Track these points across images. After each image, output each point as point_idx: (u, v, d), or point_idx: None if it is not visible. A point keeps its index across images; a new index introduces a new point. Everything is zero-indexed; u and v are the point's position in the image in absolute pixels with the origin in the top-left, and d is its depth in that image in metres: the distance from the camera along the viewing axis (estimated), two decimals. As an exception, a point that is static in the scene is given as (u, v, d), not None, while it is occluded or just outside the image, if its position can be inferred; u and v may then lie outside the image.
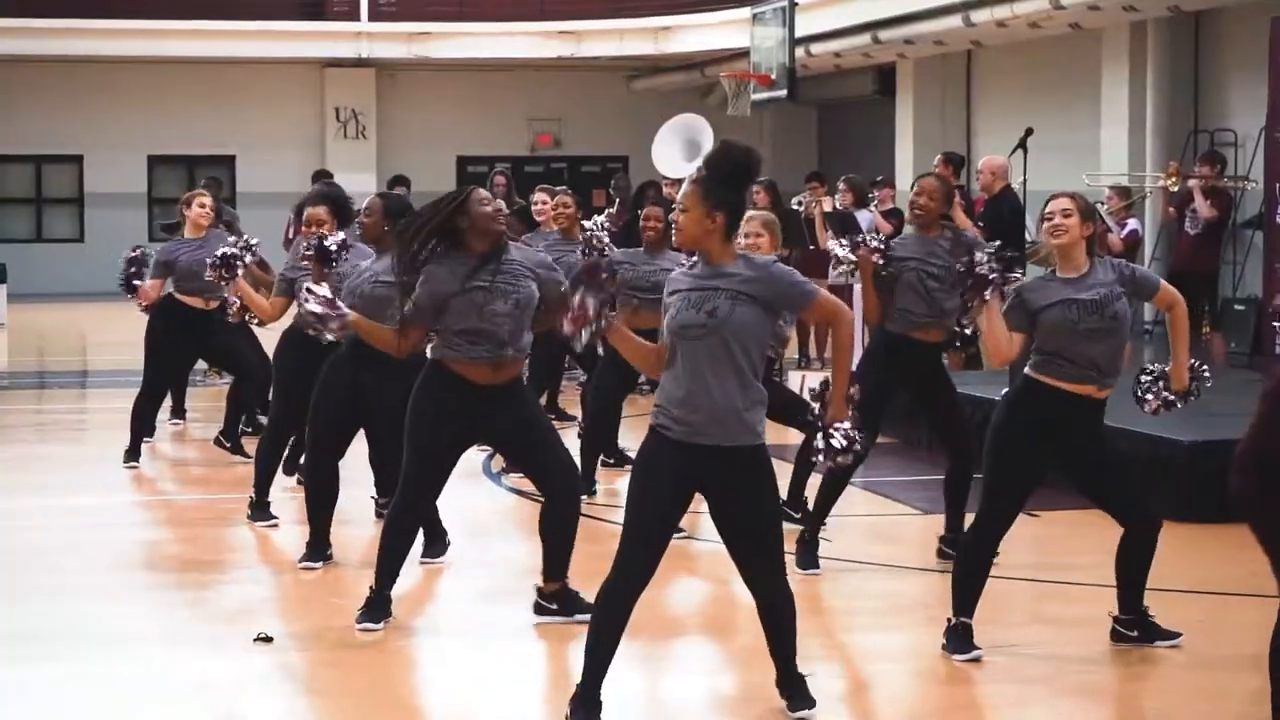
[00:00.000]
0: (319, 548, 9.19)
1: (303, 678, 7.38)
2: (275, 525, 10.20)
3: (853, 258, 9.11)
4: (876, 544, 9.65)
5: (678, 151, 21.10)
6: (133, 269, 12.36)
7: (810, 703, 6.52)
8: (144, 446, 12.69)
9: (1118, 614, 7.62)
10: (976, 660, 7.28)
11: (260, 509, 10.32)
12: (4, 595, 8.82)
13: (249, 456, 12.57)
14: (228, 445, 12.65)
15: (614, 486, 11.33)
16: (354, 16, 31.92)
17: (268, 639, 7.63)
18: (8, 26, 29.71)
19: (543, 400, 13.48)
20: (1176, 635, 7.62)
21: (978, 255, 7.56)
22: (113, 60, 31.38)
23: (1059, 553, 9.29)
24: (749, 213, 8.90)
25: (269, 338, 11.86)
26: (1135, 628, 7.58)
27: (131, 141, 32.31)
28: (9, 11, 29.74)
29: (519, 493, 11.25)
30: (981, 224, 14.51)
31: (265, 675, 7.29)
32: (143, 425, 12.67)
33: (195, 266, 11.56)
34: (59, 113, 31.94)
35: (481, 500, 11.28)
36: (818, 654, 7.68)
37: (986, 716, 6.95)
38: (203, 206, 12.30)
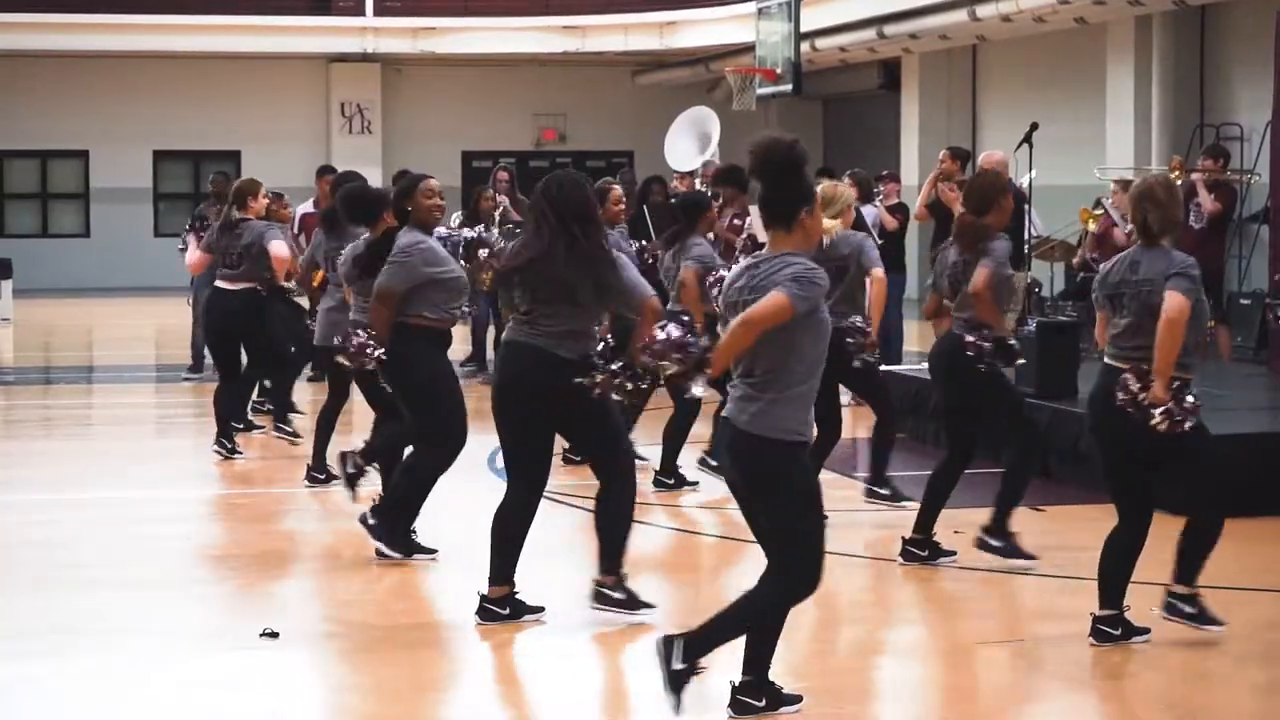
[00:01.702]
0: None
1: (309, 674, 7.40)
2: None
3: None
4: (885, 538, 9.64)
5: (691, 144, 21.09)
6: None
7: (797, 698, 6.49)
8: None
9: (1101, 611, 7.43)
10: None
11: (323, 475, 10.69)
12: (9, 590, 8.83)
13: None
14: (226, 449, 12.55)
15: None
16: (359, 11, 31.92)
17: (274, 634, 7.65)
18: (13, 21, 29.71)
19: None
20: (1147, 630, 7.49)
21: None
22: (118, 55, 31.38)
23: (1066, 547, 9.28)
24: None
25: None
26: (1119, 624, 7.42)
27: (137, 137, 32.32)
28: (14, 6, 29.75)
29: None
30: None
31: (272, 671, 7.30)
32: (289, 400, 13.19)
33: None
34: (65, 108, 31.95)
35: (486, 494, 11.26)
36: (827, 649, 7.69)
37: (999, 709, 6.94)
38: (265, 198, 12.74)
